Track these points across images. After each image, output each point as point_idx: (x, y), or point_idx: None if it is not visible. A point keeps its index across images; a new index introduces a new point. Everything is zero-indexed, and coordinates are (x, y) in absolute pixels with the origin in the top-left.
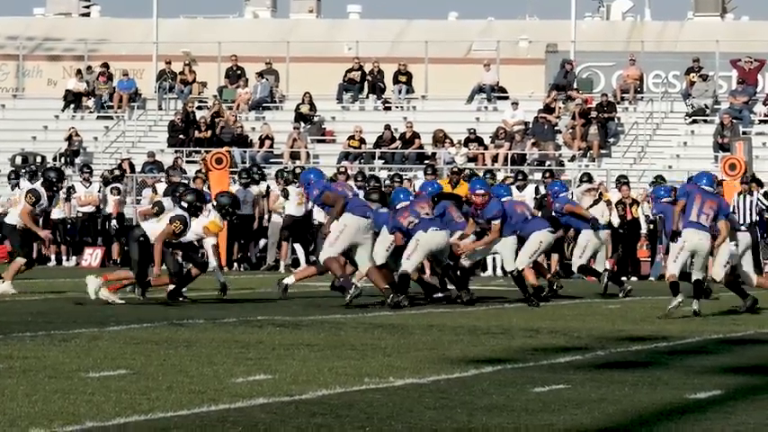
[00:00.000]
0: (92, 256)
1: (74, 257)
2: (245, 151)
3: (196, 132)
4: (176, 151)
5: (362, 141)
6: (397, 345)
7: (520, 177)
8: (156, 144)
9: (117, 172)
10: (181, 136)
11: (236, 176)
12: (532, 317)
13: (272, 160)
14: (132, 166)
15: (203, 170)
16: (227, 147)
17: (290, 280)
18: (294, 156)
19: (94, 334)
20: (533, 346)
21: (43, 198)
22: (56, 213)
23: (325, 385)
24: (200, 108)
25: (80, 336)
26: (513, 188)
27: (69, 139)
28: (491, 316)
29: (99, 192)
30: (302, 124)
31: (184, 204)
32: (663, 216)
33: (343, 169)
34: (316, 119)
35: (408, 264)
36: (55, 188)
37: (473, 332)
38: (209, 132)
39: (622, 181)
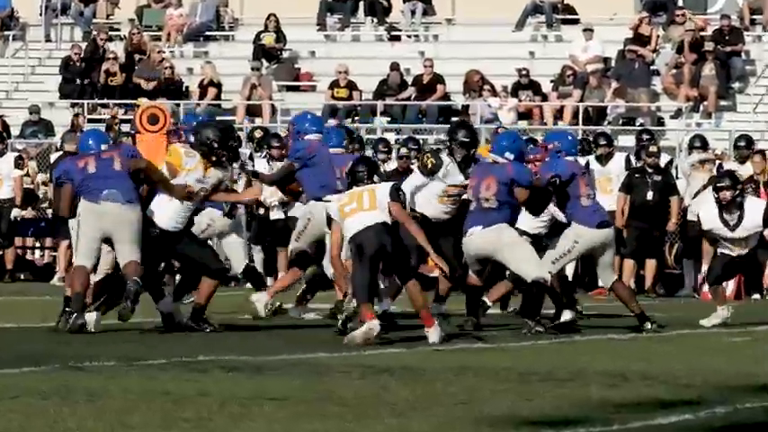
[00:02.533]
0: None
1: None
2: (177, 104)
3: (103, 76)
4: (73, 105)
5: (352, 88)
6: (413, 398)
7: (601, 142)
8: (43, 95)
9: None
10: (80, 81)
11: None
12: (614, 355)
13: (218, 117)
14: (6, 128)
15: (124, 131)
16: (161, 98)
17: (263, 299)
18: (253, 111)
19: None
20: (618, 399)
21: None
22: None
23: None
24: (110, 40)
25: None
26: (591, 159)
27: None
28: (553, 354)
29: None
30: (264, 63)
31: None
32: None
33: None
34: (285, 55)
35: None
36: None
37: (526, 379)
38: (124, 76)
39: (752, 147)
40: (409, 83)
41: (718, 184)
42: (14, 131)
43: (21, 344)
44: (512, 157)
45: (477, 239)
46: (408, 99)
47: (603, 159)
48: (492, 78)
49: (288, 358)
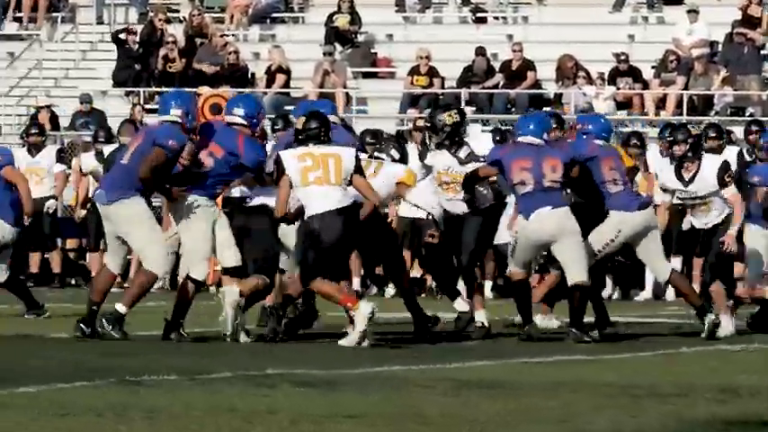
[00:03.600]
0: None
1: None
2: (242, 93)
3: (161, 62)
4: (128, 94)
5: (434, 75)
6: (502, 414)
7: (711, 134)
8: (95, 82)
9: (34, 130)
10: (137, 66)
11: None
12: (722, 368)
13: (287, 107)
14: (54, 119)
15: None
16: (224, 85)
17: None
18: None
19: None
20: (727, 416)
21: None
22: None
23: None
24: (168, 22)
25: None
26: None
27: None
28: (656, 366)
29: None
30: (338, 47)
31: None
32: None
33: (411, 124)
34: (360, 38)
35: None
36: None
37: (628, 393)
38: (184, 62)
39: None
40: (497, 69)
41: (672, 138)
42: (64, 123)
43: (72, 356)
44: (546, 137)
45: (546, 221)
46: (495, 87)
47: (714, 152)
48: (587, 64)
49: (363, 372)
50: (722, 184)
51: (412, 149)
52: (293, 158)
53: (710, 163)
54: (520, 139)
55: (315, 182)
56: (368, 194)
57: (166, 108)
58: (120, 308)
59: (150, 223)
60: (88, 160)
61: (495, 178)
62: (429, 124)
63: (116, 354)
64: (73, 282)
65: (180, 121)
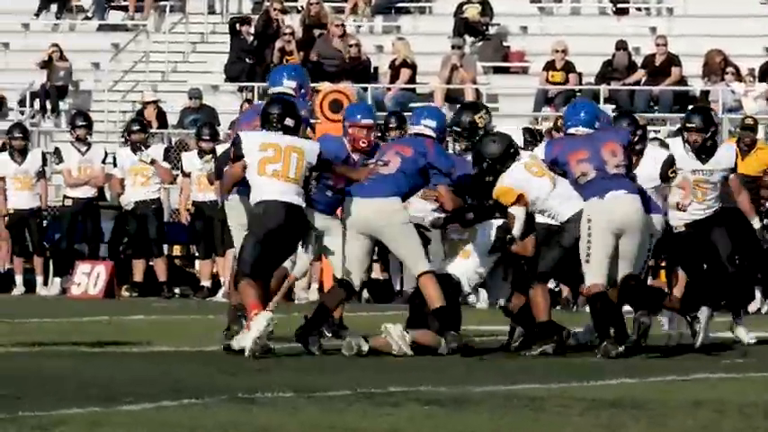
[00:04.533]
0: (90, 276)
1: (57, 279)
2: (364, 88)
3: (277, 55)
4: (241, 89)
5: (571, 70)
6: None
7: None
8: (205, 76)
9: (136, 127)
10: (249, 60)
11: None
12: None
13: (412, 105)
14: (162, 116)
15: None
16: (345, 80)
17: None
18: (453, 96)
19: (95, 417)
20: None
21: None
22: (19, 199)
23: None
24: (285, 12)
25: (70, 421)
26: None
27: (48, 64)
28: None
29: (104, 161)
30: (468, 40)
31: None
32: None
33: (541, 125)
34: (492, 30)
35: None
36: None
37: None
38: (302, 55)
39: None
40: (638, 64)
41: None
42: (172, 120)
43: (180, 372)
44: (597, 125)
45: (625, 204)
46: (637, 83)
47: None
48: (736, 59)
49: (493, 390)
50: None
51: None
52: (255, 146)
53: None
54: (570, 131)
55: (272, 175)
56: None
57: (279, 79)
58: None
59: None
60: (190, 159)
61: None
62: (456, 128)
63: (227, 370)
64: (177, 291)
65: (293, 94)
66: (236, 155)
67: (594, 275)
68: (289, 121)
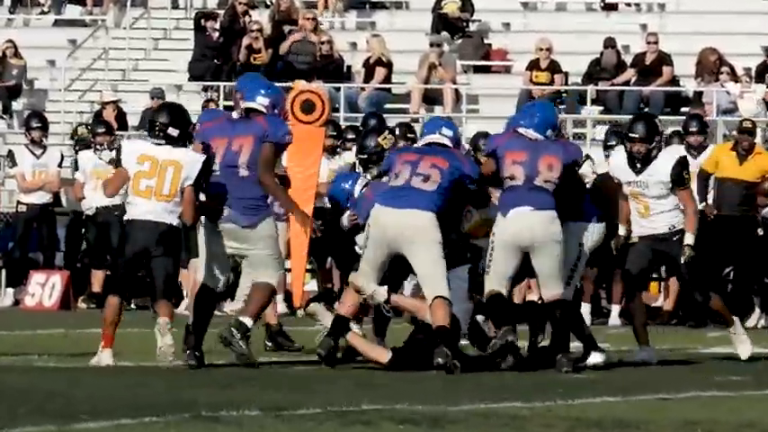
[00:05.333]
0: (45, 287)
1: (9, 290)
2: (336, 88)
3: (244, 53)
4: (206, 89)
5: (555, 70)
6: None
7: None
8: (168, 75)
9: (101, 129)
10: (215, 61)
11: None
12: None
13: (388, 106)
14: (122, 117)
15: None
16: (317, 80)
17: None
18: (431, 97)
19: None
20: None
21: None
22: None
23: None
24: (252, 7)
25: None
26: None
27: (1, 61)
28: None
29: (60, 165)
30: (447, 37)
31: None
32: None
33: None
34: (472, 27)
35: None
36: None
37: None
38: (269, 52)
39: None
40: (628, 63)
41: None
42: (132, 121)
43: (140, 388)
44: (549, 134)
45: (526, 220)
46: (627, 84)
47: None
48: (731, 59)
49: (472, 408)
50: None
51: None
52: (133, 157)
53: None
54: (520, 129)
55: (144, 193)
56: (186, 204)
57: (252, 95)
58: (248, 321)
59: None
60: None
61: None
62: (362, 156)
63: (192, 385)
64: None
65: (265, 112)
66: (117, 162)
67: (492, 284)
68: (172, 131)
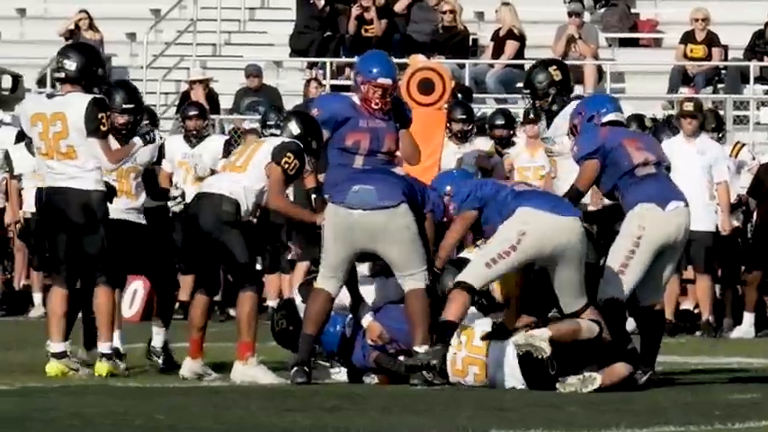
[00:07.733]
0: (134, 293)
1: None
2: (461, 65)
3: (354, 25)
4: (311, 66)
5: (712, 43)
6: None
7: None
8: (267, 50)
9: (192, 111)
10: (322, 33)
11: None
12: None
13: (519, 85)
14: (213, 98)
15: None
16: (437, 56)
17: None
18: None
19: None
20: None
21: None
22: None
23: None
24: None
25: None
26: None
27: (74, 34)
28: None
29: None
30: (588, 6)
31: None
32: None
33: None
34: None
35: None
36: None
37: None
38: (383, 23)
39: None
40: None
41: None
42: (225, 103)
43: (237, 409)
44: None
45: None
46: None
47: None
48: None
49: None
50: None
51: (680, 141)
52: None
53: None
54: (611, 117)
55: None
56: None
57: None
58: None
59: None
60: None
61: None
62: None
63: (288, 408)
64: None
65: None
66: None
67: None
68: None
